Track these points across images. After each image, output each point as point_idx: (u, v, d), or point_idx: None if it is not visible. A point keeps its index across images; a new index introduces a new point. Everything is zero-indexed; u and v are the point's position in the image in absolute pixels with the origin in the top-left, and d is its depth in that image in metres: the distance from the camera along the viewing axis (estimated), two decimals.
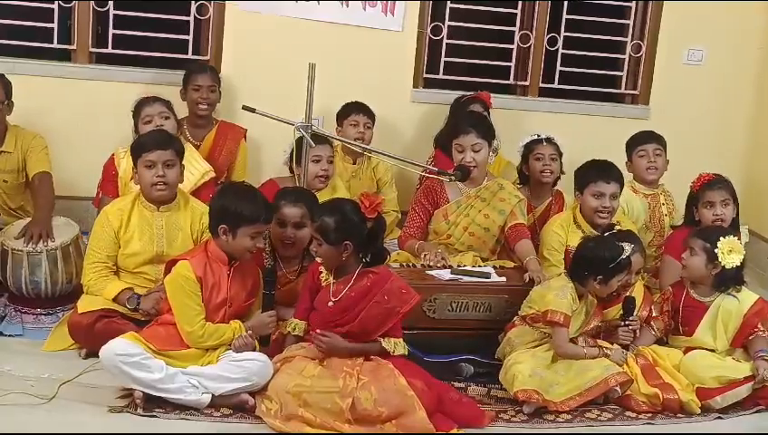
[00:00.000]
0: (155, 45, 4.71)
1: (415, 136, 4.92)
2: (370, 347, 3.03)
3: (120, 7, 4.57)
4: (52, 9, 4.50)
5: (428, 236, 3.88)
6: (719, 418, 3.19)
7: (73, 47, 4.59)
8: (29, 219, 3.72)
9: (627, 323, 3.34)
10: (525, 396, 3.06)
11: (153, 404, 2.87)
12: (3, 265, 3.57)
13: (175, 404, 2.89)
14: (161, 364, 2.87)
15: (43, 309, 3.57)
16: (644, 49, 5.10)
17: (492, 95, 4.68)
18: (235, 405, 2.93)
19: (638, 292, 3.50)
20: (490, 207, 3.81)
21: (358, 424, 2.83)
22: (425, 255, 3.63)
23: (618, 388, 3.15)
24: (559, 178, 4.25)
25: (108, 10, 4.55)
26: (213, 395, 2.92)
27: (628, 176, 4.09)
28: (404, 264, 3.66)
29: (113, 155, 3.94)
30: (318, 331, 2.98)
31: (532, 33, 4.99)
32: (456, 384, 3.23)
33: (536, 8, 4.97)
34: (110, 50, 4.60)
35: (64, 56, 4.64)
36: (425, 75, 4.95)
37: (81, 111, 4.53)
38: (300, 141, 3.56)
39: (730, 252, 3.33)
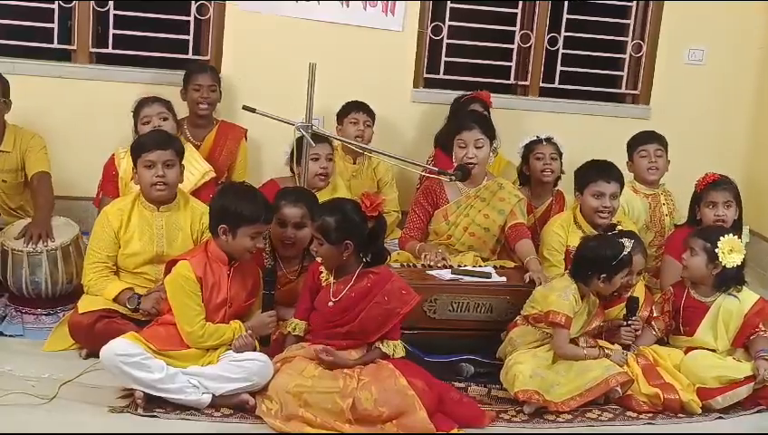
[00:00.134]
0: (155, 45, 4.71)
1: (415, 136, 4.92)
2: (371, 356, 3.03)
3: (120, 7, 4.57)
4: (53, 9, 4.51)
5: (429, 237, 3.88)
6: (720, 418, 3.19)
7: (73, 47, 4.59)
8: (29, 220, 3.72)
9: (629, 322, 3.34)
10: (526, 397, 3.05)
11: (154, 404, 2.87)
12: (3, 265, 3.57)
13: (175, 404, 2.89)
14: (161, 364, 2.87)
15: (44, 309, 3.57)
16: (644, 49, 5.10)
17: (492, 95, 4.68)
18: (235, 405, 2.93)
19: (639, 292, 3.49)
20: (490, 207, 3.80)
21: (358, 424, 2.83)
22: (425, 255, 3.63)
23: (618, 388, 3.14)
24: (559, 177, 4.25)
25: (108, 10, 4.56)
26: (213, 395, 2.91)
27: (628, 176, 4.09)
28: (404, 264, 3.66)
29: (113, 155, 3.94)
30: (321, 347, 2.97)
31: (532, 32, 4.99)
32: (457, 384, 3.23)
33: (537, 8, 4.97)
34: (110, 50, 4.60)
35: (64, 56, 4.64)
36: (425, 75, 4.95)
37: (81, 111, 4.53)
38: (300, 141, 3.56)
39: (731, 251, 3.33)
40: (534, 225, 4.07)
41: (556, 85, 5.07)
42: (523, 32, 5.00)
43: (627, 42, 5.11)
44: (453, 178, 3.65)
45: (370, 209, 3.02)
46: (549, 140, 4.19)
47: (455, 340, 3.42)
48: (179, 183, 3.41)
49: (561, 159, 4.21)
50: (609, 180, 3.67)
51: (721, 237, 3.34)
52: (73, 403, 2.87)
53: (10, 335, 3.42)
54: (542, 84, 5.07)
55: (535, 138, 4.21)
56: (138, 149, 3.34)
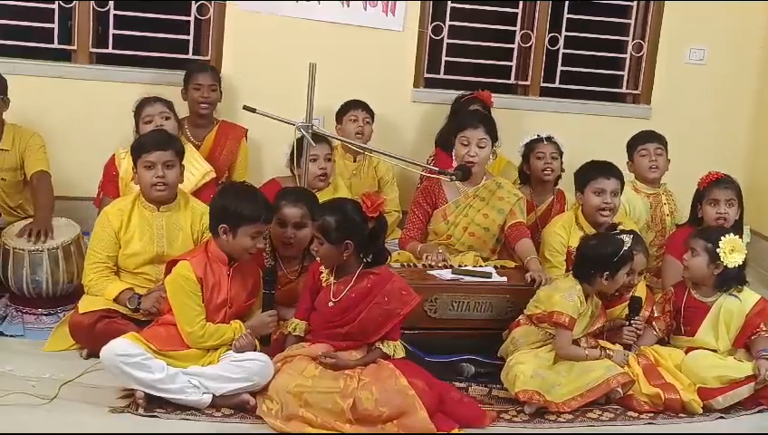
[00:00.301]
0: (155, 45, 4.71)
1: (415, 136, 4.92)
2: (371, 356, 3.03)
3: (120, 7, 4.57)
4: (53, 9, 4.50)
5: (428, 237, 3.87)
6: (721, 418, 3.19)
7: (74, 47, 4.59)
8: (30, 220, 3.72)
9: (631, 322, 3.34)
10: (526, 397, 3.05)
11: (154, 404, 2.87)
12: (4, 264, 3.57)
13: (176, 404, 2.89)
14: (162, 365, 2.87)
15: (44, 309, 3.58)
16: (645, 48, 5.10)
17: (493, 95, 4.67)
18: (235, 405, 2.93)
19: (640, 292, 3.49)
20: (489, 207, 3.80)
21: (359, 424, 2.83)
22: (427, 256, 3.63)
23: (619, 389, 3.14)
24: (560, 176, 4.25)
25: (108, 10, 4.56)
26: (214, 395, 2.91)
27: (629, 176, 4.09)
28: (405, 264, 3.65)
29: (114, 155, 3.94)
30: (322, 353, 2.97)
31: (533, 32, 4.99)
32: (458, 384, 3.23)
33: (537, 8, 4.97)
34: (110, 50, 4.60)
35: (64, 56, 4.64)
36: (425, 75, 4.95)
37: (81, 111, 4.53)
38: (299, 142, 3.55)
39: (732, 251, 3.32)
40: (535, 223, 4.07)
41: (557, 85, 5.07)
42: (523, 31, 4.99)
43: (627, 41, 5.11)
44: (453, 177, 3.65)
45: (371, 210, 3.01)
46: (549, 139, 4.19)
47: (455, 340, 3.42)
48: (180, 183, 3.41)
49: (561, 158, 4.21)
50: (609, 177, 3.67)
51: (722, 238, 3.33)
52: (74, 403, 2.87)
53: (10, 335, 3.43)
54: (542, 84, 5.07)
55: (536, 136, 4.21)
56: (138, 150, 3.34)
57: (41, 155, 3.94)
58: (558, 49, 5.01)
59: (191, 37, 4.66)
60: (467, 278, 3.50)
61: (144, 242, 3.33)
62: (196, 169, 3.89)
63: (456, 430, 2.90)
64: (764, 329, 3.34)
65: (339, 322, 3.04)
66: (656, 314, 3.46)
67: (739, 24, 5.09)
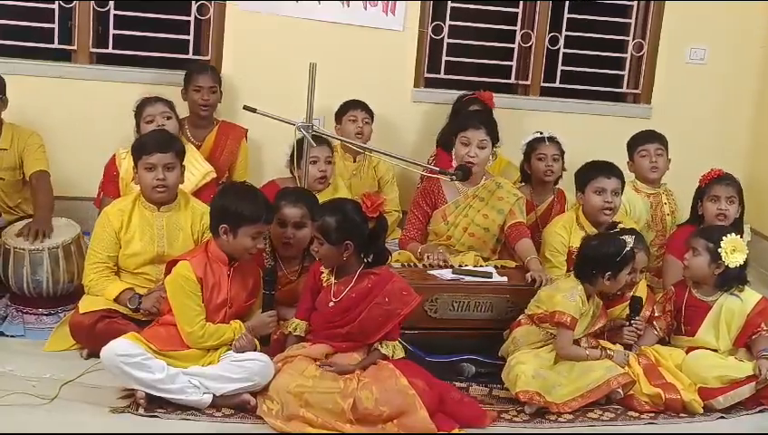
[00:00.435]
0: (155, 45, 4.70)
1: (416, 136, 4.92)
2: (371, 358, 3.03)
3: (120, 7, 4.56)
4: (53, 9, 4.50)
5: (428, 238, 3.87)
6: (722, 418, 3.18)
7: (74, 47, 4.59)
8: (30, 220, 3.71)
9: (632, 322, 3.34)
10: (527, 397, 3.05)
11: (155, 404, 2.87)
12: (5, 264, 3.57)
13: (176, 404, 2.89)
14: (162, 365, 2.87)
15: (45, 309, 3.57)
16: (646, 48, 5.10)
17: (493, 95, 4.67)
18: (236, 405, 2.93)
19: (641, 291, 3.49)
20: (488, 207, 3.80)
21: (359, 424, 2.83)
22: (428, 256, 3.63)
23: (620, 389, 3.14)
24: (560, 176, 4.24)
25: (108, 10, 4.55)
26: (214, 395, 2.91)
27: (629, 176, 4.09)
28: (405, 264, 3.65)
29: (114, 155, 3.94)
30: (320, 362, 2.97)
31: (533, 32, 4.98)
32: (458, 384, 3.23)
33: (537, 7, 4.96)
34: (110, 50, 4.60)
35: (65, 56, 4.64)
36: (426, 75, 4.95)
37: (81, 111, 4.53)
38: (299, 143, 3.55)
39: (733, 251, 3.32)
40: (536, 223, 4.07)
41: (557, 85, 5.07)
42: (523, 31, 4.99)
43: (628, 41, 5.11)
44: (453, 177, 3.64)
45: (371, 210, 3.01)
46: (552, 139, 4.18)
47: (456, 340, 3.42)
48: (180, 184, 3.41)
49: (563, 157, 4.21)
50: (609, 176, 3.67)
51: (723, 237, 3.33)
52: (74, 403, 2.87)
53: (11, 335, 3.43)
54: (543, 84, 5.06)
55: (539, 135, 4.20)
56: (139, 150, 3.34)
57: (40, 154, 3.93)
58: (558, 49, 5.01)
59: (191, 37, 4.65)
60: (468, 278, 3.49)
61: (144, 242, 3.33)
62: (197, 169, 3.89)
63: (456, 430, 2.90)
64: (765, 329, 3.33)
65: (339, 322, 3.04)
66: (656, 314, 3.46)
67: (740, 24, 5.09)
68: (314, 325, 3.10)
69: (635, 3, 5.06)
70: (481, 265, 3.69)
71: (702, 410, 3.18)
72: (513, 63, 5.04)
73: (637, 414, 3.14)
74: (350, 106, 4.48)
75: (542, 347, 3.23)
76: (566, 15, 4.97)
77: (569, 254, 3.69)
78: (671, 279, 3.65)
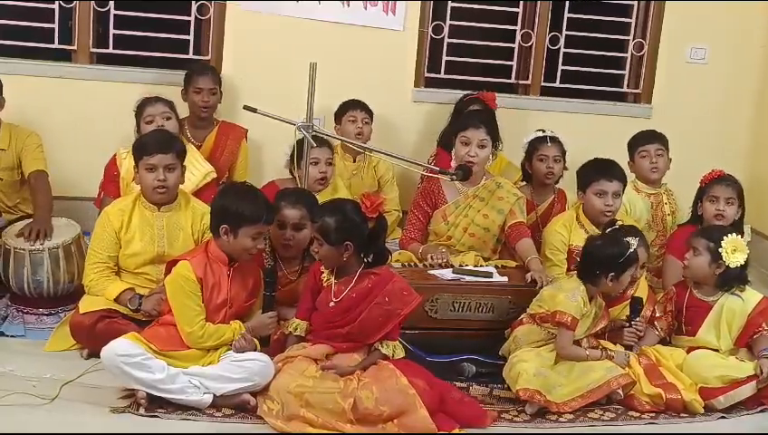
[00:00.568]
0: (156, 45, 4.70)
1: (416, 135, 4.91)
2: (371, 358, 3.03)
3: (120, 7, 4.56)
4: (53, 9, 4.50)
5: (428, 238, 3.87)
6: (722, 417, 3.18)
7: (74, 47, 4.58)
8: (30, 220, 3.71)
9: (632, 323, 3.33)
10: (527, 395, 3.05)
11: (155, 405, 2.87)
12: (5, 264, 3.57)
13: (177, 404, 2.89)
14: (162, 365, 2.87)
15: (45, 309, 3.58)
16: (646, 47, 5.09)
17: (496, 95, 4.66)
18: (236, 405, 2.93)
19: (642, 290, 3.49)
20: (489, 207, 3.80)
21: (359, 424, 2.83)
22: (430, 256, 3.63)
23: (620, 390, 3.14)
24: (561, 175, 4.24)
25: (108, 10, 4.55)
26: (214, 395, 2.91)
27: (630, 176, 4.08)
28: (406, 263, 3.65)
29: (115, 155, 3.94)
30: (321, 365, 2.97)
31: (533, 31, 4.98)
32: (459, 384, 3.22)
33: (538, 7, 4.96)
34: (110, 50, 4.60)
35: (65, 56, 4.64)
36: (426, 75, 4.94)
37: (82, 111, 4.52)
38: (300, 143, 3.55)
39: (734, 251, 3.32)
40: (536, 223, 4.07)
41: (558, 84, 5.06)
42: (524, 31, 4.99)
43: (628, 40, 5.10)
44: (454, 177, 3.64)
45: (370, 210, 3.01)
46: (553, 139, 4.18)
47: (456, 340, 3.41)
48: (181, 184, 3.41)
49: (564, 157, 4.20)
50: (611, 179, 3.66)
51: (724, 237, 3.33)
52: (74, 404, 2.87)
53: (11, 336, 3.43)
54: (543, 84, 5.06)
55: (540, 134, 4.19)
56: (139, 151, 3.33)
57: (38, 154, 3.93)
58: (559, 48, 5.01)
59: (191, 37, 4.65)
60: (468, 278, 3.49)
61: (145, 242, 3.33)
62: (197, 169, 3.89)
63: (456, 430, 2.90)
64: (766, 328, 3.33)
65: (339, 322, 3.04)
66: (657, 314, 3.46)
67: (740, 23, 5.08)
68: (315, 325, 3.10)
69: (635, 2, 5.05)
70: (481, 265, 3.69)
71: (703, 410, 3.17)
72: (514, 63, 5.03)
73: (637, 414, 3.14)
74: (350, 106, 4.47)
75: (543, 346, 3.23)
76: (566, 15, 4.97)
77: (569, 252, 3.70)
78: (671, 279, 3.65)
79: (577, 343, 3.20)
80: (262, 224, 3.06)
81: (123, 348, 2.84)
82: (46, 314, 3.57)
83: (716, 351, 3.34)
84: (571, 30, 4.99)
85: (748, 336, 3.35)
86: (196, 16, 4.64)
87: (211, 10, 4.65)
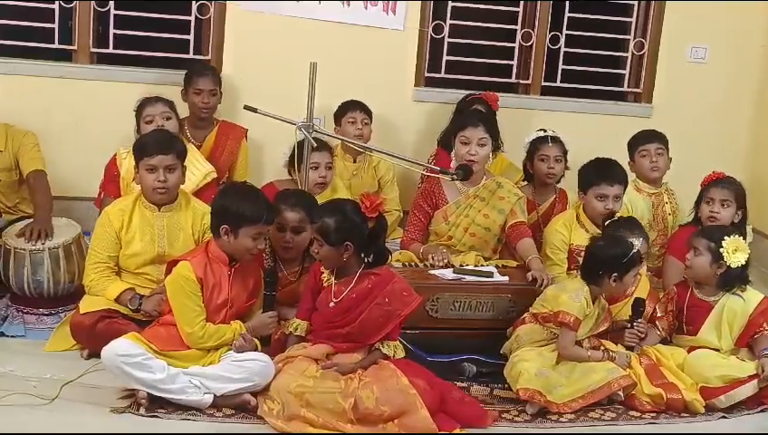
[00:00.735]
0: (156, 45, 4.70)
1: (417, 135, 4.91)
2: (372, 358, 3.03)
3: (120, 7, 4.56)
4: (53, 9, 4.50)
5: (429, 238, 3.87)
6: (723, 417, 3.18)
7: (74, 47, 4.58)
8: (30, 220, 3.71)
9: (634, 325, 3.33)
10: (527, 395, 3.04)
11: (156, 405, 2.87)
12: (5, 264, 3.57)
13: (177, 405, 2.89)
14: (163, 365, 2.86)
15: (45, 309, 3.57)
16: (646, 47, 5.09)
17: (499, 96, 4.65)
18: (237, 405, 2.93)
19: (643, 288, 3.49)
20: (489, 207, 3.79)
21: (360, 424, 2.82)
22: (432, 256, 3.63)
23: (620, 392, 3.13)
24: (563, 175, 4.23)
25: (108, 10, 4.55)
26: (215, 395, 2.91)
27: (630, 175, 4.08)
28: (406, 263, 3.65)
29: (115, 155, 3.93)
30: (322, 364, 2.97)
31: (534, 31, 4.98)
32: (459, 384, 3.22)
33: (538, 6, 4.96)
34: (110, 50, 4.60)
35: (65, 56, 4.63)
36: (426, 74, 4.94)
37: (82, 111, 4.52)
38: (300, 145, 3.54)
39: (735, 251, 3.32)
40: (537, 223, 4.06)
41: (558, 84, 5.06)
42: (524, 30, 4.98)
43: (629, 40, 5.10)
44: (455, 177, 3.64)
45: (370, 210, 3.00)
46: (555, 139, 4.17)
47: (457, 339, 3.41)
48: (181, 184, 3.40)
49: (566, 157, 4.20)
50: (612, 183, 3.67)
51: (725, 237, 3.32)
52: (75, 404, 2.87)
53: (11, 336, 3.43)
54: (543, 83, 5.06)
55: (541, 134, 4.19)
56: (140, 151, 3.33)
57: (35, 154, 3.93)
58: (559, 48, 5.00)
59: (192, 37, 4.65)
60: (469, 278, 3.49)
61: (145, 242, 3.33)
62: (198, 169, 3.88)
63: (457, 430, 2.90)
64: (767, 328, 3.32)
65: (339, 322, 3.03)
66: (659, 314, 3.46)
67: (740, 23, 5.08)
68: (315, 326, 3.10)
69: (636, 2, 5.05)
70: (482, 265, 3.69)
71: (703, 410, 3.17)
72: (514, 63, 5.03)
73: (638, 414, 3.13)
74: (349, 107, 4.46)
75: (545, 346, 3.23)
76: (567, 14, 4.97)
77: (569, 252, 3.70)
78: (672, 279, 3.65)
79: (578, 343, 3.20)
80: (262, 224, 3.05)
81: (124, 348, 2.84)
82: (46, 315, 3.57)
83: (717, 350, 3.34)
84: (571, 29, 4.99)
85: (749, 336, 3.34)
86: (196, 16, 4.64)
87: (211, 10, 4.65)
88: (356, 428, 2.82)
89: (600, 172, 3.70)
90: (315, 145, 3.57)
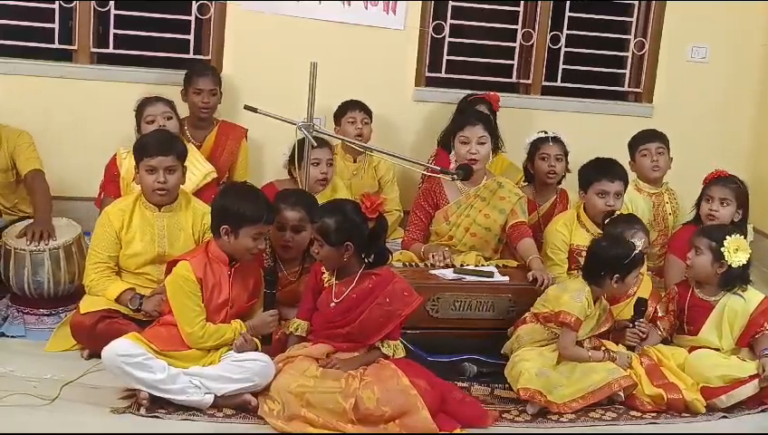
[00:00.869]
0: (156, 45, 4.70)
1: (417, 135, 4.91)
2: (372, 356, 3.02)
3: (121, 7, 4.56)
4: (53, 9, 4.50)
5: (430, 238, 3.87)
6: (724, 417, 3.18)
7: (74, 47, 4.58)
8: (30, 220, 3.71)
9: (636, 325, 3.33)
10: (528, 395, 3.04)
11: (156, 405, 2.87)
12: (5, 265, 3.57)
13: (178, 405, 2.89)
14: (163, 365, 2.86)
15: (46, 309, 3.58)
16: (647, 47, 5.09)
17: (500, 96, 4.65)
18: (237, 405, 2.93)
19: (644, 287, 3.48)
20: (490, 207, 3.79)
21: (361, 424, 2.82)
22: (432, 255, 3.62)
23: (621, 392, 3.13)
24: (564, 176, 4.23)
25: (109, 10, 4.55)
26: (215, 396, 2.91)
27: (631, 175, 4.08)
28: (407, 263, 3.65)
29: (115, 155, 3.93)
30: (323, 361, 2.97)
31: (534, 31, 4.97)
32: (460, 384, 3.22)
33: (538, 6, 4.96)
34: (111, 50, 4.60)
35: (65, 56, 4.63)
36: (427, 74, 4.94)
37: (82, 111, 4.52)
38: (300, 144, 3.54)
39: (736, 250, 3.31)
40: (538, 223, 4.06)
41: (558, 84, 5.06)
42: (525, 30, 4.98)
43: (629, 40, 5.10)
44: (455, 177, 3.64)
45: (370, 210, 3.00)
46: (555, 139, 4.17)
47: (457, 339, 3.41)
48: (181, 184, 3.40)
49: (567, 157, 4.20)
50: (612, 180, 3.66)
51: (727, 237, 3.32)
52: (75, 404, 2.87)
53: (12, 336, 3.43)
54: (544, 83, 5.05)
55: (542, 134, 4.19)
56: (140, 152, 3.33)
57: (31, 153, 3.92)
58: (560, 47, 5.00)
59: (192, 37, 4.65)
60: (469, 278, 3.49)
61: (145, 242, 3.33)
62: (198, 169, 3.88)
63: (458, 430, 2.89)
64: None
65: (340, 322, 3.03)
66: (660, 314, 3.46)
67: (741, 22, 5.08)
68: (315, 326, 3.09)
69: (636, 2, 5.05)
70: (483, 265, 3.68)
71: (704, 410, 3.17)
72: (515, 62, 5.03)
73: (639, 414, 3.13)
74: (349, 107, 4.46)
75: (545, 346, 3.23)
76: (567, 14, 4.97)
77: (570, 251, 3.69)
78: (673, 279, 3.65)
79: (579, 343, 3.20)
80: (262, 224, 3.05)
81: (124, 348, 2.84)
82: (47, 315, 3.57)
83: (718, 350, 3.33)
84: (571, 29, 4.99)
85: (750, 336, 3.34)
86: (196, 16, 4.64)
87: (212, 10, 4.65)
88: (356, 428, 2.81)
89: (600, 169, 3.71)
90: (315, 144, 3.57)
